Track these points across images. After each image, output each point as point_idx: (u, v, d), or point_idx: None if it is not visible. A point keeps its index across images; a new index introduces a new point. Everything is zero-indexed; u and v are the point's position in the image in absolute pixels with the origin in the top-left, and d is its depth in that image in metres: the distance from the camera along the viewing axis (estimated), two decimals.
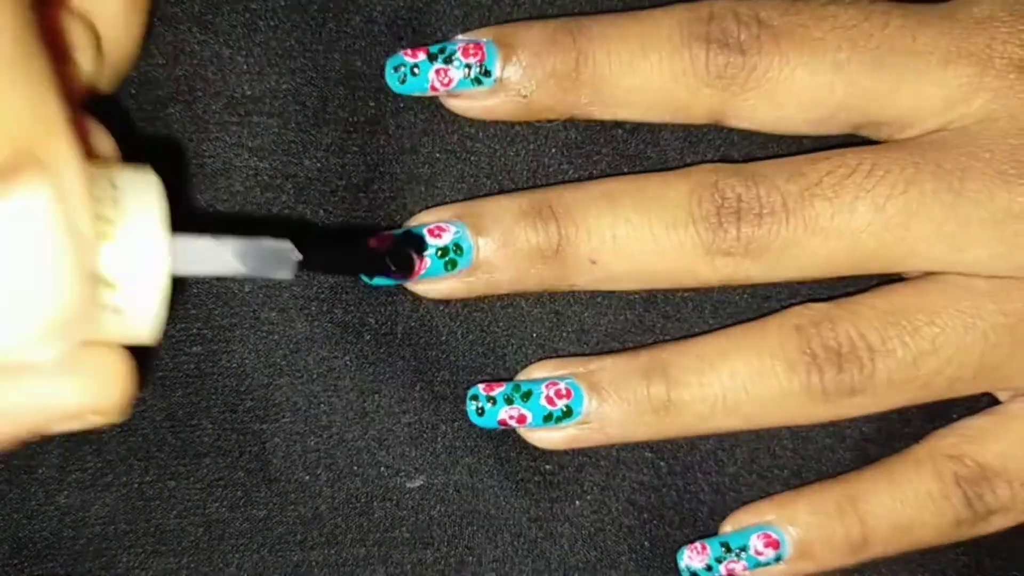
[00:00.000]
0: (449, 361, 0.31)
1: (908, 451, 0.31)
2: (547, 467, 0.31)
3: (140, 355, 0.20)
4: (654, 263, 0.29)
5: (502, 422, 0.30)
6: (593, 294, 0.31)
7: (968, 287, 0.29)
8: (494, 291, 0.30)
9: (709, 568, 0.31)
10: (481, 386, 0.30)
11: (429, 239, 0.29)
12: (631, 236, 0.29)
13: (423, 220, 0.30)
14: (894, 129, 0.30)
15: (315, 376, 0.31)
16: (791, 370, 0.29)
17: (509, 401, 0.30)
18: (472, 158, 0.31)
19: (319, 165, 0.30)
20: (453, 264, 0.29)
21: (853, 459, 0.32)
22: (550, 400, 0.30)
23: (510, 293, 0.31)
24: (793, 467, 0.32)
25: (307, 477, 0.31)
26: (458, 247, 0.29)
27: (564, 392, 0.30)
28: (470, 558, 0.31)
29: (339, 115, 0.30)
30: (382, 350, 0.31)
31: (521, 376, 0.31)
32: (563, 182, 0.31)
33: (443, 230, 0.29)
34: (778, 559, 0.30)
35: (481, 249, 0.29)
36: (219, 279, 0.30)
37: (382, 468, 0.31)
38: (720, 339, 0.30)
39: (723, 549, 0.30)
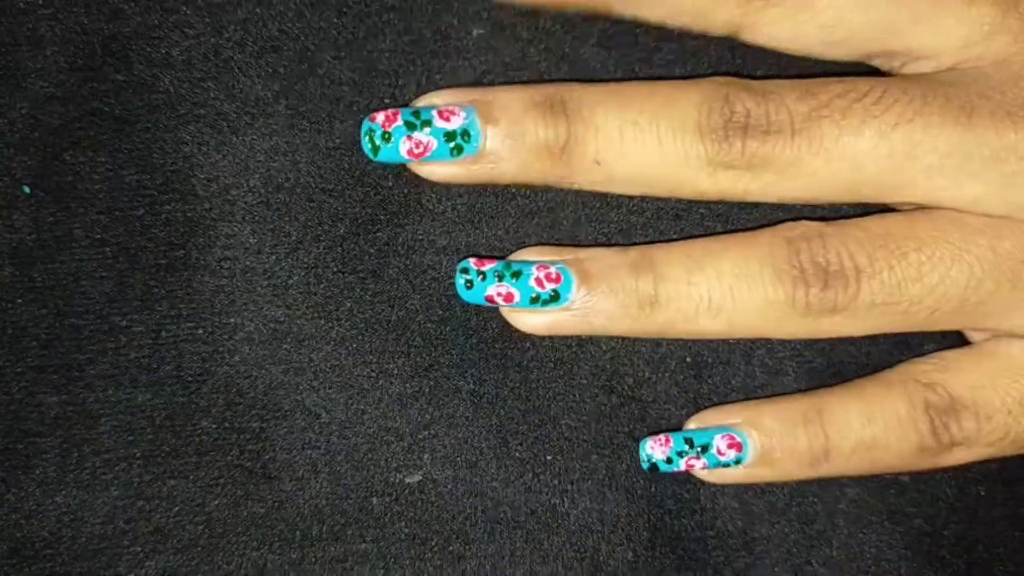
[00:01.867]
0: (449, 356, 0.31)
1: (881, 374, 0.31)
2: (548, 458, 0.31)
3: None
4: (656, 168, 0.29)
5: (489, 298, 0.30)
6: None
7: (961, 221, 0.30)
8: (496, 182, 0.30)
9: (669, 460, 0.31)
10: (472, 260, 0.30)
11: (438, 121, 0.29)
12: (637, 139, 0.29)
13: (432, 101, 0.30)
14: (908, 61, 0.30)
15: (314, 373, 0.31)
16: (777, 280, 0.29)
17: (499, 278, 0.30)
18: None
19: (333, 164, 0.31)
20: (459, 150, 0.29)
21: (850, 481, 0.32)
22: (539, 282, 0.30)
23: (512, 185, 0.30)
24: None
25: (307, 474, 0.31)
26: (466, 133, 0.29)
27: (554, 276, 0.30)
28: (469, 552, 0.31)
29: (351, 113, 0.31)
30: (380, 346, 0.31)
31: (513, 257, 0.31)
32: None
33: (453, 113, 0.29)
34: (738, 462, 0.31)
35: (489, 138, 0.29)
36: (226, 273, 0.30)
37: (381, 463, 0.31)
38: (711, 242, 0.30)
39: (686, 444, 0.31)
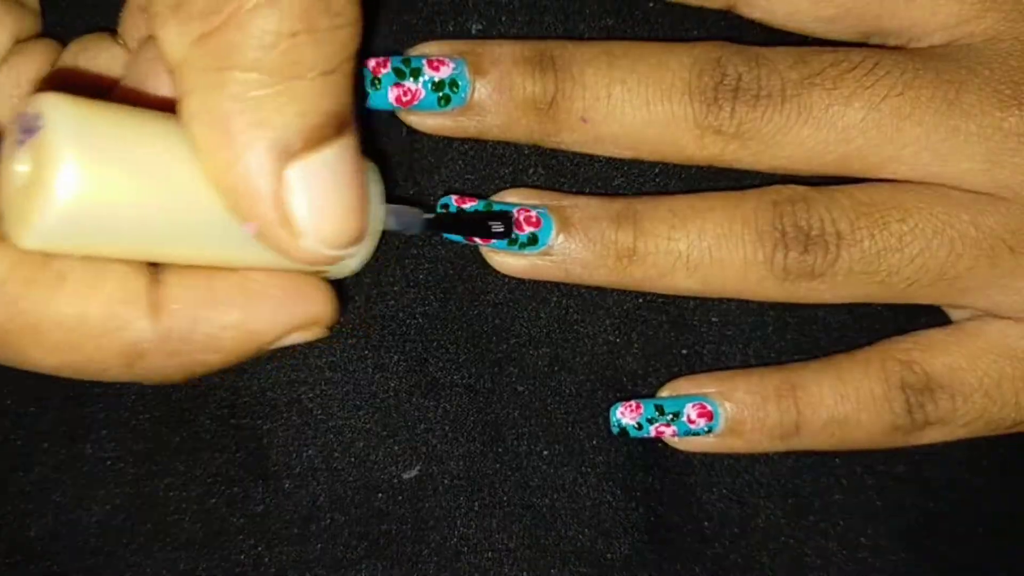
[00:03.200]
0: (444, 351, 0.31)
1: (859, 351, 0.31)
2: (544, 452, 0.31)
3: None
4: (643, 130, 0.29)
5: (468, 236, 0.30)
6: (601, 294, 0.32)
7: (946, 195, 0.30)
8: (483, 136, 0.30)
9: (639, 427, 0.31)
10: (454, 197, 0.30)
11: (427, 70, 0.29)
12: (625, 99, 0.29)
13: (424, 51, 0.30)
14: (902, 40, 0.30)
15: (309, 370, 0.31)
16: (758, 241, 0.29)
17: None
18: (481, 144, 0.31)
19: None
20: (447, 100, 0.29)
21: (847, 473, 0.32)
22: (518, 224, 0.30)
23: (499, 140, 0.31)
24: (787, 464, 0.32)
25: (304, 471, 0.31)
26: (455, 83, 0.29)
27: (534, 220, 0.30)
28: (466, 548, 0.31)
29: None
30: (377, 342, 0.31)
31: (497, 197, 0.31)
32: (572, 155, 0.31)
33: (443, 63, 0.29)
34: (708, 431, 0.31)
35: (477, 90, 0.29)
36: None
37: (378, 459, 0.31)
38: (699, 199, 0.30)
39: (656, 411, 0.31)
